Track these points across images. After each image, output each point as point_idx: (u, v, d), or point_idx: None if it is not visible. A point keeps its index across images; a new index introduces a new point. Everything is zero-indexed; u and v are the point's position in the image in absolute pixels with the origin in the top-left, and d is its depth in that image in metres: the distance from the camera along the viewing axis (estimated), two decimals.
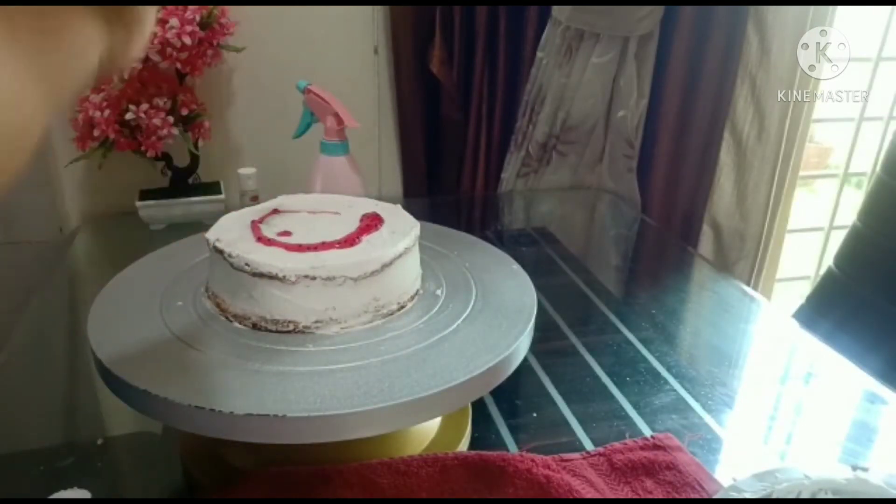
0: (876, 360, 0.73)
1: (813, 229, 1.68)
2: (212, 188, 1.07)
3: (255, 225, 0.53)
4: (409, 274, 0.53)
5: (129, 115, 0.94)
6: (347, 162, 0.86)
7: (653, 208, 1.33)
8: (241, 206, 0.58)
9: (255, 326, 0.49)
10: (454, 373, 0.45)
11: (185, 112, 1.00)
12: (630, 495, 0.51)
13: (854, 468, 0.45)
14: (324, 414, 0.41)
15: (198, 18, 0.95)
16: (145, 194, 1.03)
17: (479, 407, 0.60)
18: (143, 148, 0.97)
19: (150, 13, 0.32)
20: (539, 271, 0.90)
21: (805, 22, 1.29)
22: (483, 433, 0.58)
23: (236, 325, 0.49)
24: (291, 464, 0.49)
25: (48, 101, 0.27)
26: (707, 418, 0.61)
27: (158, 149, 0.98)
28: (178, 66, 0.97)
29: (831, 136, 1.93)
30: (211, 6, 0.97)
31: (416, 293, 0.54)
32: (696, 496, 0.50)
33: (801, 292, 1.62)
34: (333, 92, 0.85)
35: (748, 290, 0.91)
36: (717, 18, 1.21)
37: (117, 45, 0.31)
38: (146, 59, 0.95)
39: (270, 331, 0.49)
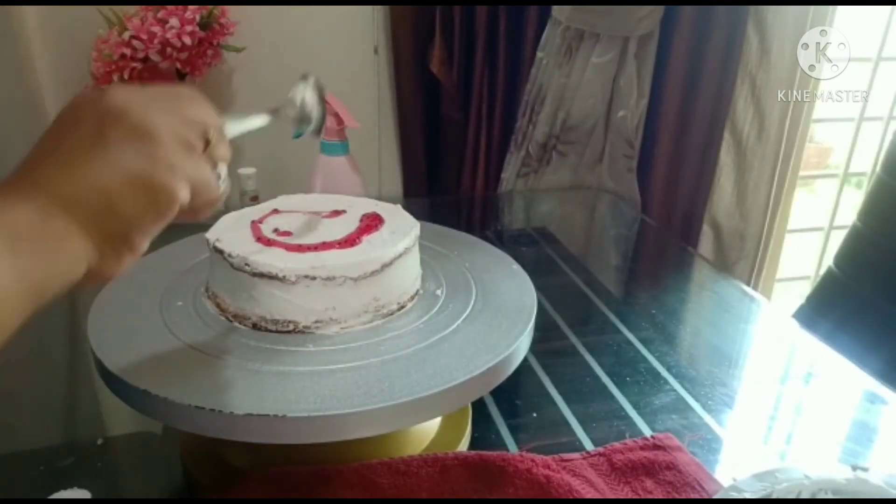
0: (876, 360, 0.72)
1: (813, 229, 1.68)
2: None
3: (255, 225, 0.53)
4: (409, 274, 0.53)
5: None
6: (347, 162, 0.86)
7: (653, 208, 1.33)
8: (241, 206, 0.58)
9: (255, 326, 0.49)
10: (454, 373, 0.45)
11: None
12: (630, 495, 0.51)
13: (854, 468, 0.45)
14: (324, 414, 0.41)
15: (198, 18, 0.95)
16: None
17: (479, 407, 0.60)
18: None
19: (144, 243, 0.35)
20: (539, 271, 0.90)
21: (805, 22, 1.29)
22: (483, 433, 0.58)
23: (236, 325, 0.49)
24: (291, 464, 0.49)
25: (30, 302, 0.31)
26: (707, 418, 0.61)
27: None
28: (178, 66, 0.97)
29: (831, 136, 1.93)
30: (211, 6, 0.97)
31: (416, 293, 0.54)
32: (696, 496, 0.50)
33: (801, 292, 1.62)
34: (333, 92, 0.84)
35: (748, 290, 0.91)
36: (717, 18, 1.22)
37: (104, 265, 0.34)
38: (146, 59, 0.95)
39: (270, 331, 0.49)
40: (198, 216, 0.38)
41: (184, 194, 0.34)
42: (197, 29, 0.95)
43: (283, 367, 0.45)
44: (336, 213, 0.56)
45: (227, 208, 0.56)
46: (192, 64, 0.98)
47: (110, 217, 0.33)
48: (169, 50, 0.94)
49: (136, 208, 0.33)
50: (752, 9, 1.24)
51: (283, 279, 0.47)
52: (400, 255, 0.51)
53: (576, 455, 0.54)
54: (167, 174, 0.33)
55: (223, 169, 0.39)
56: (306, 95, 0.50)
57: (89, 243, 0.33)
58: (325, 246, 0.50)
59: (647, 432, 0.58)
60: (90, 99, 0.34)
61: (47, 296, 0.32)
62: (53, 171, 0.32)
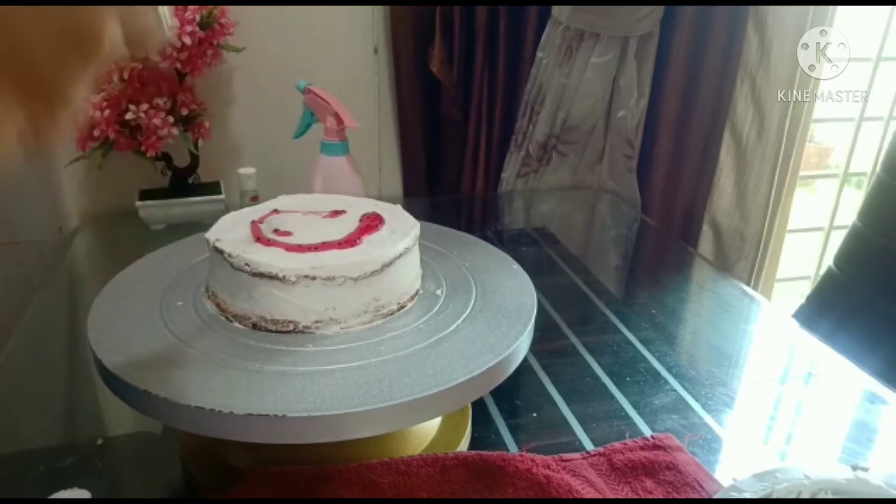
0: (876, 360, 0.72)
1: (813, 229, 1.68)
2: (212, 188, 1.07)
3: (254, 225, 0.53)
4: (409, 274, 0.53)
5: (129, 115, 0.94)
6: (347, 162, 0.86)
7: (653, 208, 1.33)
8: (241, 206, 0.58)
9: (255, 326, 0.49)
10: (454, 373, 0.45)
11: (185, 112, 1.00)
12: (630, 495, 0.51)
13: (854, 468, 0.45)
14: (324, 414, 0.41)
15: (198, 18, 0.95)
16: (145, 194, 1.03)
17: (479, 407, 0.60)
18: (143, 148, 0.97)
19: (77, 90, 0.31)
20: (539, 271, 0.90)
21: (805, 22, 1.29)
22: (483, 433, 0.58)
23: (236, 325, 0.49)
24: (291, 464, 0.49)
25: None
26: (707, 418, 0.61)
27: (158, 149, 0.98)
28: (178, 66, 0.97)
29: (831, 136, 1.93)
30: (211, 6, 0.97)
31: (416, 293, 0.54)
32: (696, 496, 0.50)
33: (801, 292, 1.62)
34: (333, 92, 0.85)
35: (748, 290, 0.91)
36: (717, 18, 1.21)
37: (39, 125, 0.30)
38: (146, 59, 0.95)
39: (270, 331, 0.49)
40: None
41: (110, 28, 0.30)
42: (197, 29, 0.95)
43: (283, 367, 0.45)
44: (336, 213, 0.56)
45: (228, 208, 0.56)
46: (192, 64, 0.98)
47: (29, 68, 0.29)
48: (169, 50, 0.94)
49: (56, 53, 0.30)
50: (752, 9, 1.24)
51: (283, 279, 0.47)
52: (400, 255, 0.51)
53: (576, 455, 0.54)
54: (84, 11, 0.30)
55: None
56: None
57: (12, 96, 0.29)
58: (325, 246, 0.50)
59: (647, 432, 0.58)
60: None
61: None
62: None
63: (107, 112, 0.94)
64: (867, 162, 1.59)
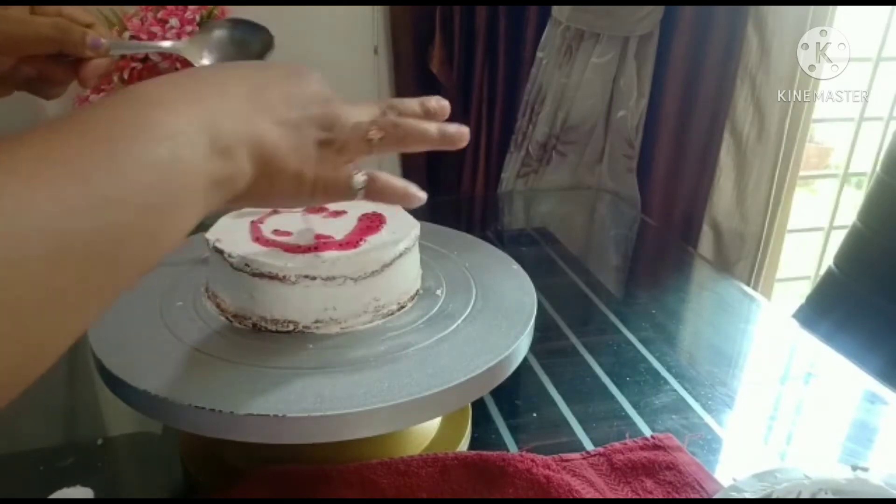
0: (876, 360, 0.72)
1: (813, 229, 1.68)
2: None
3: (254, 225, 0.53)
4: (409, 274, 0.53)
5: None
6: None
7: (653, 208, 1.33)
8: None
9: (255, 326, 0.49)
10: (454, 373, 0.45)
11: None
12: (630, 495, 0.51)
13: (854, 468, 0.45)
14: (324, 414, 0.41)
15: (198, 18, 0.95)
16: None
17: (479, 407, 0.60)
18: None
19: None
20: (539, 271, 0.90)
21: (805, 22, 1.29)
22: (483, 433, 0.58)
23: (236, 325, 0.49)
24: (291, 464, 0.49)
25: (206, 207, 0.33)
26: (707, 418, 0.61)
27: None
28: (178, 66, 0.97)
29: (831, 136, 1.93)
30: (211, 6, 0.97)
31: (416, 293, 0.54)
32: (696, 496, 0.50)
33: (801, 292, 1.62)
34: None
35: (748, 290, 0.91)
36: (717, 18, 1.22)
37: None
38: (146, 59, 0.95)
39: (270, 331, 0.49)
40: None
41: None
42: (197, 29, 0.95)
43: (283, 367, 0.45)
44: (336, 213, 0.56)
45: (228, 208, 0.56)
46: (191, 64, 0.98)
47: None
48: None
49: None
50: (752, 9, 1.24)
51: (283, 279, 0.47)
52: (400, 256, 0.51)
53: (576, 455, 0.54)
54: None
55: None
56: None
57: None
58: (326, 246, 0.50)
59: (647, 432, 0.58)
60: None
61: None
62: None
63: None
64: (867, 162, 1.59)
